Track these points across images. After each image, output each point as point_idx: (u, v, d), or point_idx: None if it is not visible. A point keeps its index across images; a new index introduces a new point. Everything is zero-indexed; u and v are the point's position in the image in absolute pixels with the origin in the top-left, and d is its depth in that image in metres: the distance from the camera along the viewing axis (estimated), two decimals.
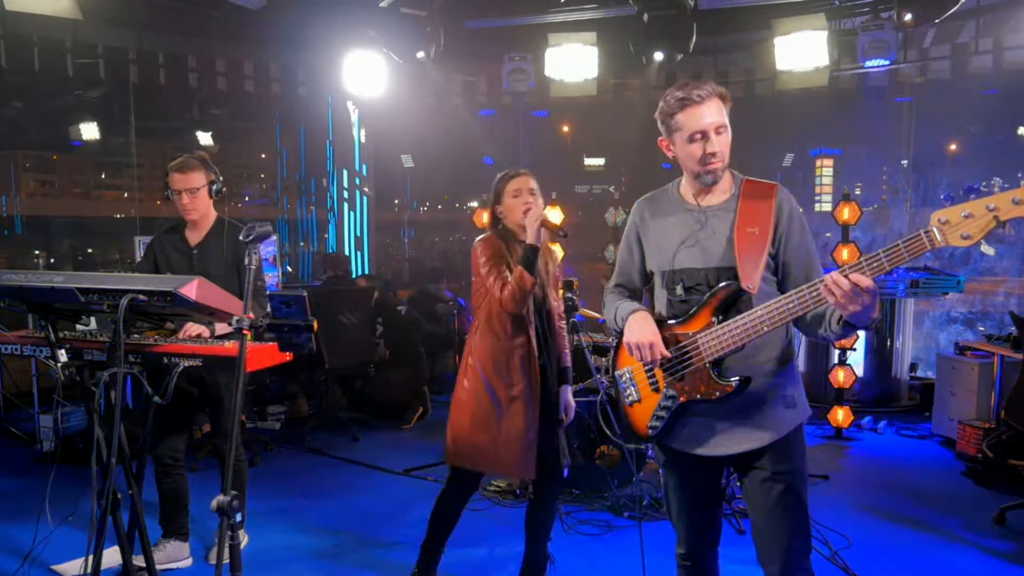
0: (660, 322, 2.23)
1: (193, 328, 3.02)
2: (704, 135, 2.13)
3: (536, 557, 3.26)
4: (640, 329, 2.19)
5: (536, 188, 3.07)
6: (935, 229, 1.82)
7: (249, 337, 2.28)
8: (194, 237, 3.50)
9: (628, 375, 2.33)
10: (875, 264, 1.87)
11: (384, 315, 6.45)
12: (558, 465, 3.12)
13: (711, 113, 2.13)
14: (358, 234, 8.76)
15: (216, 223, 3.51)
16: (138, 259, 6.09)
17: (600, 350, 4.80)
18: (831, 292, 1.89)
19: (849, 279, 1.86)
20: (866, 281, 1.85)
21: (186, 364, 2.59)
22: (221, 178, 3.50)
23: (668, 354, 2.17)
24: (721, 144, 2.15)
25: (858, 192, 11.46)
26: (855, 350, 5.91)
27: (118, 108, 7.84)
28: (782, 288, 2.18)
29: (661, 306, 2.29)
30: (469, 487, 3.18)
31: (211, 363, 2.63)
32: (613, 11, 6.84)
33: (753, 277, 2.08)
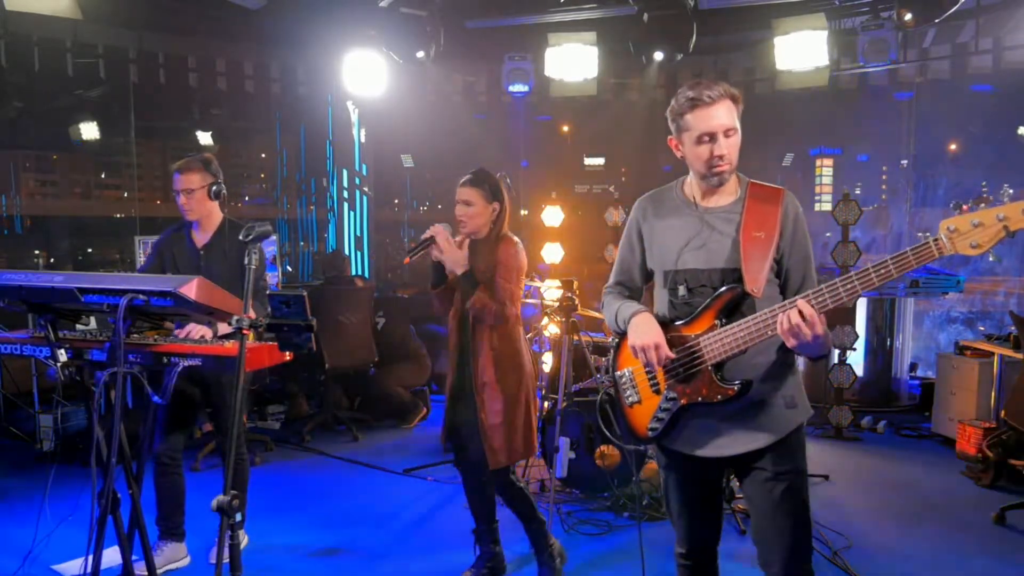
0: (662, 323, 2.22)
1: (196, 330, 3.02)
2: (712, 137, 2.12)
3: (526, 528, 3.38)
4: (645, 331, 2.18)
5: (470, 198, 3.08)
6: (944, 237, 1.82)
7: (251, 337, 2.28)
8: (200, 238, 3.53)
9: (628, 376, 2.33)
10: (882, 271, 1.88)
11: (386, 308, 6.46)
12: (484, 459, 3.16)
13: (721, 115, 2.11)
14: (358, 234, 8.74)
15: (221, 224, 3.53)
16: (139, 259, 6.11)
17: (600, 349, 4.80)
18: (780, 323, 1.96)
19: (801, 312, 1.93)
20: (809, 311, 1.93)
21: (186, 364, 2.59)
22: (222, 180, 3.50)
23: (673, 355, 2.16)
24: (729, 147, 2.14)
25: (858, 192, 11.44)
26: (855, 350, 5.90)
27: (118, 108, 7.82)
28: (784, 293, 2.18)
29: (661, 306, 2.28)
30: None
31: (211, 363, 2.63)
32: (613, 11, 6.82)
33: (758, 280, 2.07)
